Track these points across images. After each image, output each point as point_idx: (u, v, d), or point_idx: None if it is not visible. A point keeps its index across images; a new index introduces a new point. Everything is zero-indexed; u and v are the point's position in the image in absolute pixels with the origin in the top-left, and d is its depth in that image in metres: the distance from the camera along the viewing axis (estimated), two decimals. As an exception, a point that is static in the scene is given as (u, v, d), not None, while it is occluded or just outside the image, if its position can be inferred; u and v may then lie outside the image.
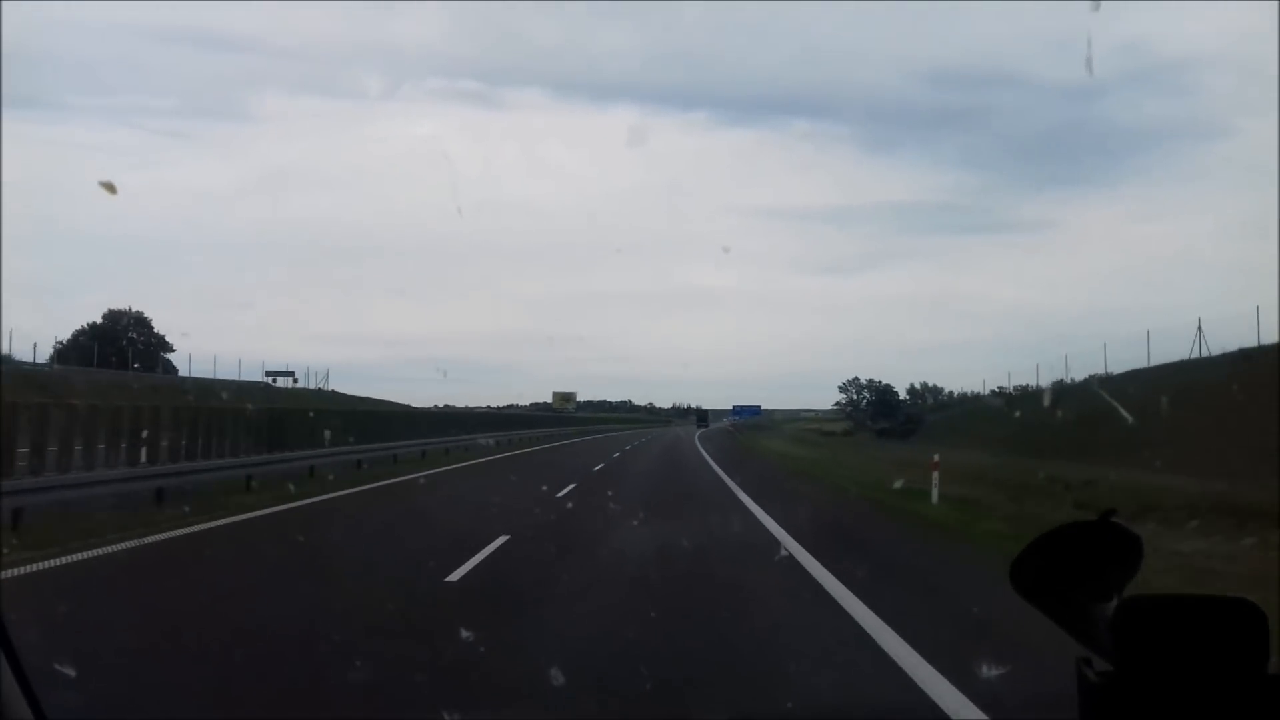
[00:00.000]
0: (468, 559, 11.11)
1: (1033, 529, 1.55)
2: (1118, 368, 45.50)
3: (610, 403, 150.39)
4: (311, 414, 25.41)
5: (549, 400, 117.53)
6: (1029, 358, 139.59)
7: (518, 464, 32.87)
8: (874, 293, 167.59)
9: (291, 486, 18.85)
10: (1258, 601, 1.33)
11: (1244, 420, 23.31)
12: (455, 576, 10.19)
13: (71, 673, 4.92)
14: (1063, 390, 62.97)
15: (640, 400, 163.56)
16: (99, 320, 64.49)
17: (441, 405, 61.56)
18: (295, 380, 66.51)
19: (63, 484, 14.15)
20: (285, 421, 22.87)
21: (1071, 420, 33.52)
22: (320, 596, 9.03)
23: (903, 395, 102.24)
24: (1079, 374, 55.42)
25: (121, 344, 60.79)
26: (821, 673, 6.67)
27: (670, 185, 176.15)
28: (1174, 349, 40.40)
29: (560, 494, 20.58)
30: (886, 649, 6.97)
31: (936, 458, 18.94)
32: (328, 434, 23.37)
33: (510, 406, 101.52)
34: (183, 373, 57.95)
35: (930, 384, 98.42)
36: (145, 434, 16.61)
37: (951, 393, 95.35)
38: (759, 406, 77.08)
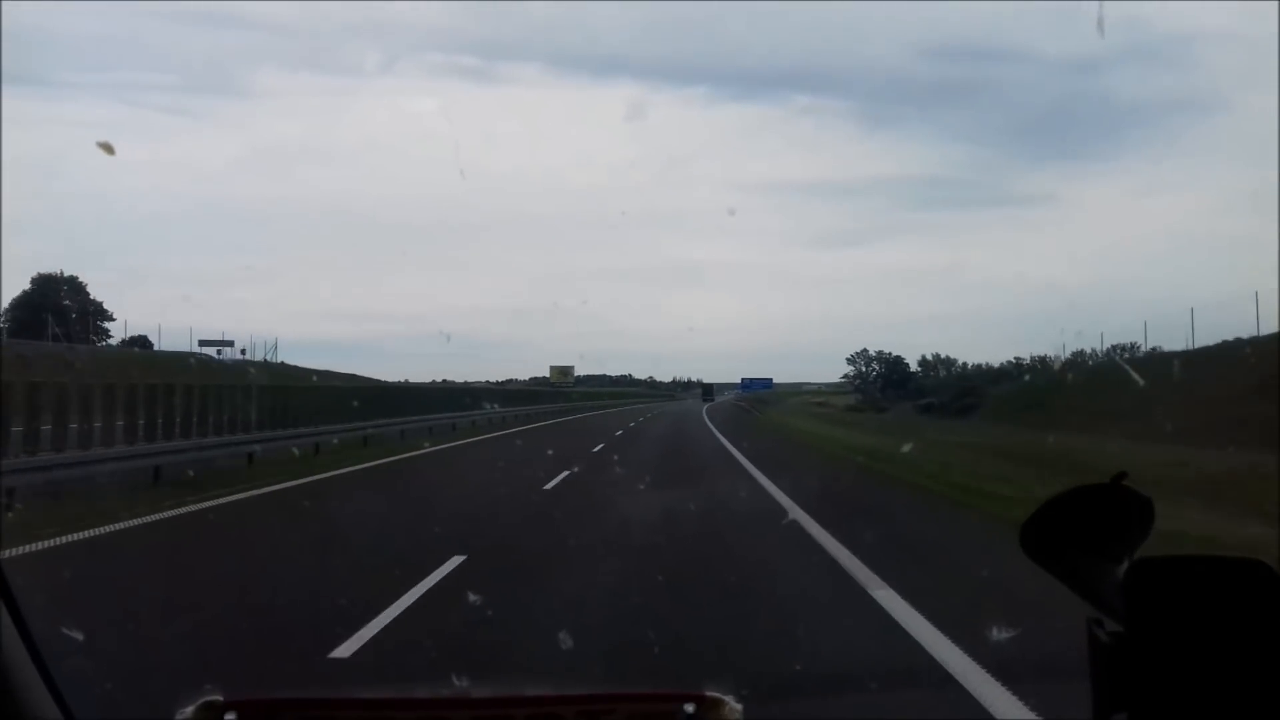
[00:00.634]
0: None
1: None
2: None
3: (610, 377, 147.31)
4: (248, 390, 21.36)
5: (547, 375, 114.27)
6: (1034, 330, 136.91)
7: (493, 450, 28.84)
8: (876, 266, 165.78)
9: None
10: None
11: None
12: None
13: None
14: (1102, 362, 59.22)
15: (641, 374, 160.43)
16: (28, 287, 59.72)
17: (441, 380, 58.58)
18: (244, 352, 61.78)
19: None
20: (210, 400, 18.84)
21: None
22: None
23: (913, 367, 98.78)
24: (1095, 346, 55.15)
25: (52, 312, 55.77)
26: None
27: (670, 160, 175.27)
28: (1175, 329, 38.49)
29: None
30: None
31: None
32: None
33: (509, 381, 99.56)
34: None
35: (943, 355, 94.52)
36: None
37: (965, 364, 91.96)
38: (770, 379, 72.61)
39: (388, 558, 9.67)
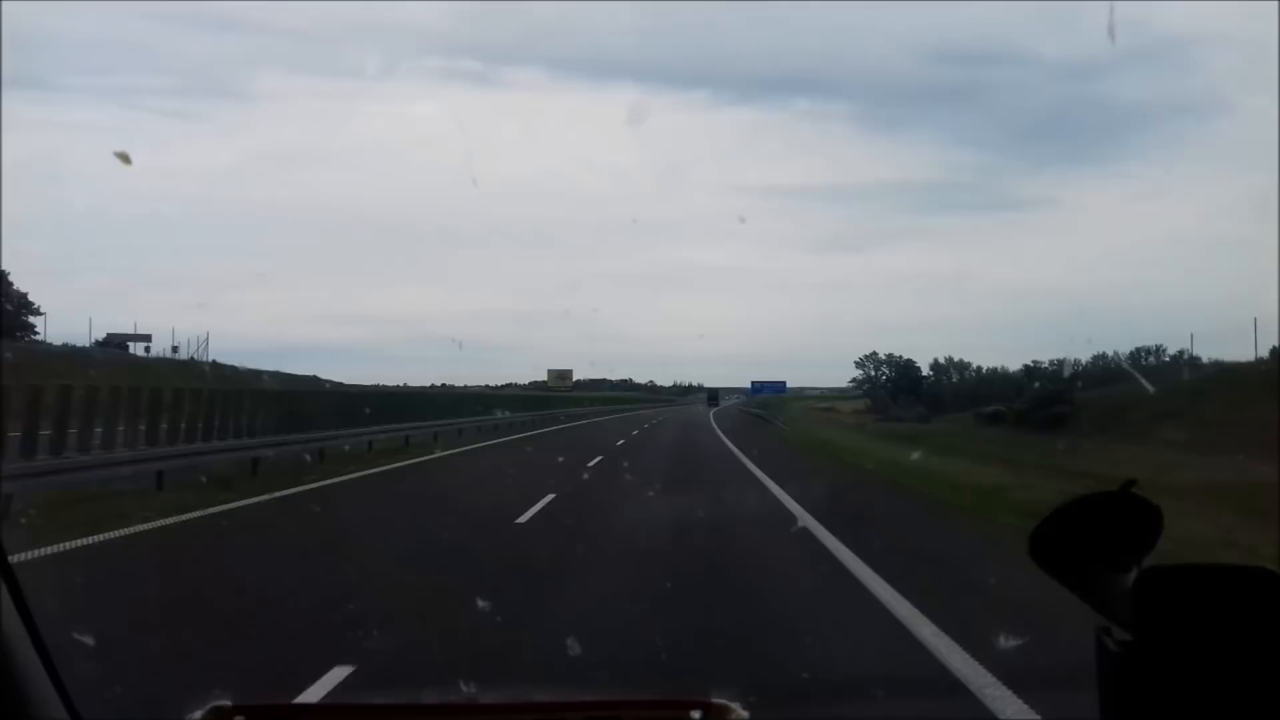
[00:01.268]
0: None
1: None
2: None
3: (611, 381, 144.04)
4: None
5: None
6: (1037, 334, 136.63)
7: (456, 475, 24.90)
8: (877, 271, 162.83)
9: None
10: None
11: None
12: None
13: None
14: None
15: (641, 379, 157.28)
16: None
17: (441, 384, 55.07)
18: (175, 349, 57.58)
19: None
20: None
21: None
22: None
23: (925, 371, 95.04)
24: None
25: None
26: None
27: (669, 164, 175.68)
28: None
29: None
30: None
31: None
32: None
33: (508, 385, 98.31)
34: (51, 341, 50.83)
35: (955, 358, 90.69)
36: None
37: (980, 368, 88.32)
38: (784, 382, 68.41)
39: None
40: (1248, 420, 24.51)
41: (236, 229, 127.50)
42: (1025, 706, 5.35)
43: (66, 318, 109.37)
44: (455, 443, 30.90)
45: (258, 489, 16.05)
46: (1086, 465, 20.52)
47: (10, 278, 56.61)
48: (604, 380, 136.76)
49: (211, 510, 13.54)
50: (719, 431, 41.87)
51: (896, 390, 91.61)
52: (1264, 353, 43.79)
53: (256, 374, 50.37)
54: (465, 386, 62.35)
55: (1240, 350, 53.32)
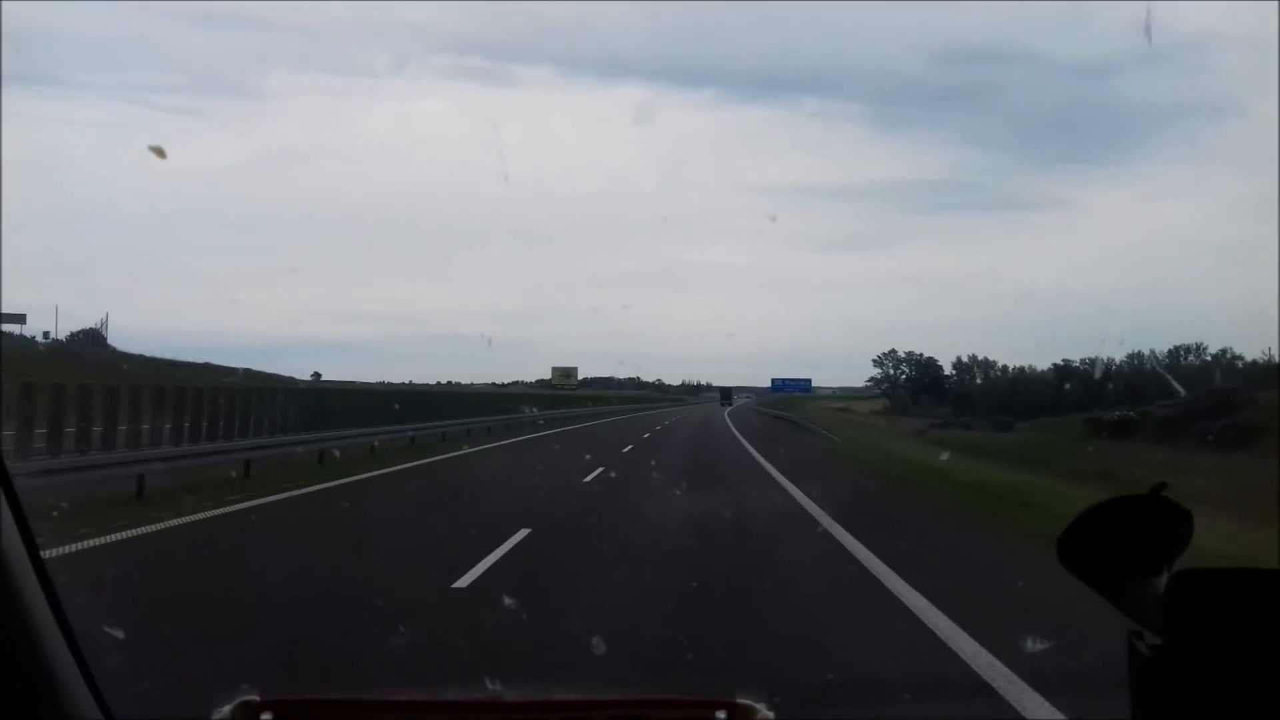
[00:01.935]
0: None
1: None
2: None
3: (617, 379, 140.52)
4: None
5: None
6: (1050, 333, 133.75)
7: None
8: (888, 270, 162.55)
9: None
10: None
11: None
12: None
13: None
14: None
15: (649, 377, 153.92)
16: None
17: (446, 381, 56.73)
18: (46, 335, 53.69)
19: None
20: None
21: None
22: None
23: (947, 370, 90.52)
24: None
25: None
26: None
27: (676, 162, 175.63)
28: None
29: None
30: None
31: None
32: None
33: (515, 383, 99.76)
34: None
35: (980, 357, 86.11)
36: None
37: (1006, 367, 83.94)
38: (809, 380, 63.51)
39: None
40: None
41: (242, 226, 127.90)
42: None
43: (67, 313, 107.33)
44: (411, 454, 26.58)
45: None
46: None
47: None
48: (610, 378, 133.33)
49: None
50: (747, 445, 30.90)
51: (917, 390, 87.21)
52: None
53: (172, 364, 45.93)
54: (471, 384, 64.82)
55: (1259, 349, 51.16)
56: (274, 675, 5.64)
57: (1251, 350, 54.38)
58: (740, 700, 1.70)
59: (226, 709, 1.65)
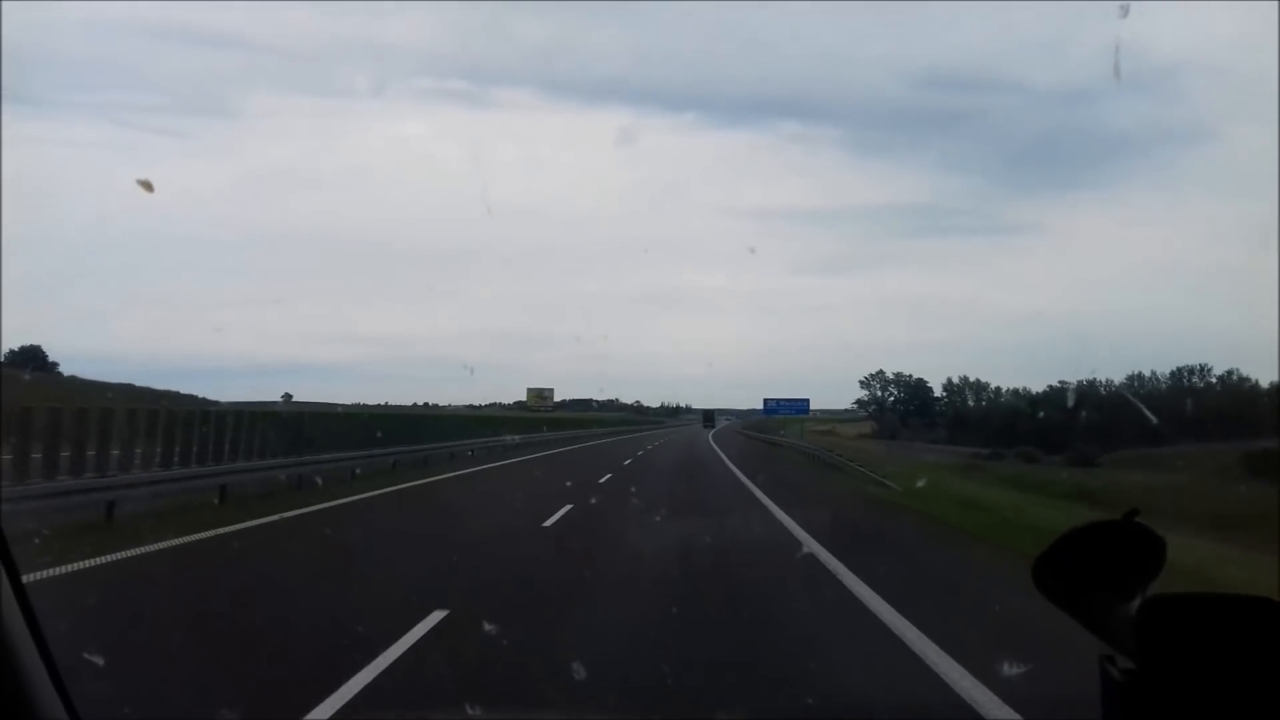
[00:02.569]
0: None
1: None
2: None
3: (597, 401, 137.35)
4: None
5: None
6: (1028, 357, 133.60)
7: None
8: (869, 294, 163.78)
9: None
10: None
11: None
12: None
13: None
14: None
15: (628, 399, 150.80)
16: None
17: (423, 403, 55.07)
18: None
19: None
20: None
21: None
22: None
23: (937, 391, 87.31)
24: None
25: None
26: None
27: (658, 185, 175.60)
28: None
29: None
30: None
31: None
32: None
33: (493, 405, 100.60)
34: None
35: (971, 378, 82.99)
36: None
37: (999, 389, 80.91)
38: (807, 400, 59.54)
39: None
40: None
41: (219, 246, 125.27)
42: None
43: (42, 336, 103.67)
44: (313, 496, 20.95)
45: None
46: None
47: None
48: (590, 400, 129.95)
49: None
50: (758, 493, 20.66)
51: (907, 412, 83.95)
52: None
53: (103, 386, 42.22)
54: (449, 406, 65.11)
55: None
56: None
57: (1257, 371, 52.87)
58: (720, 718, 1.99)
59: None
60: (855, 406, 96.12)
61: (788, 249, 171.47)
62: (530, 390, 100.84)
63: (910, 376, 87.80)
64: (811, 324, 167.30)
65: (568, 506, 17.12)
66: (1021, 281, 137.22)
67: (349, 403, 65.04)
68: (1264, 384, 52.04)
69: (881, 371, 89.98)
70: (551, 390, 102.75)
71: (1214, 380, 62.64)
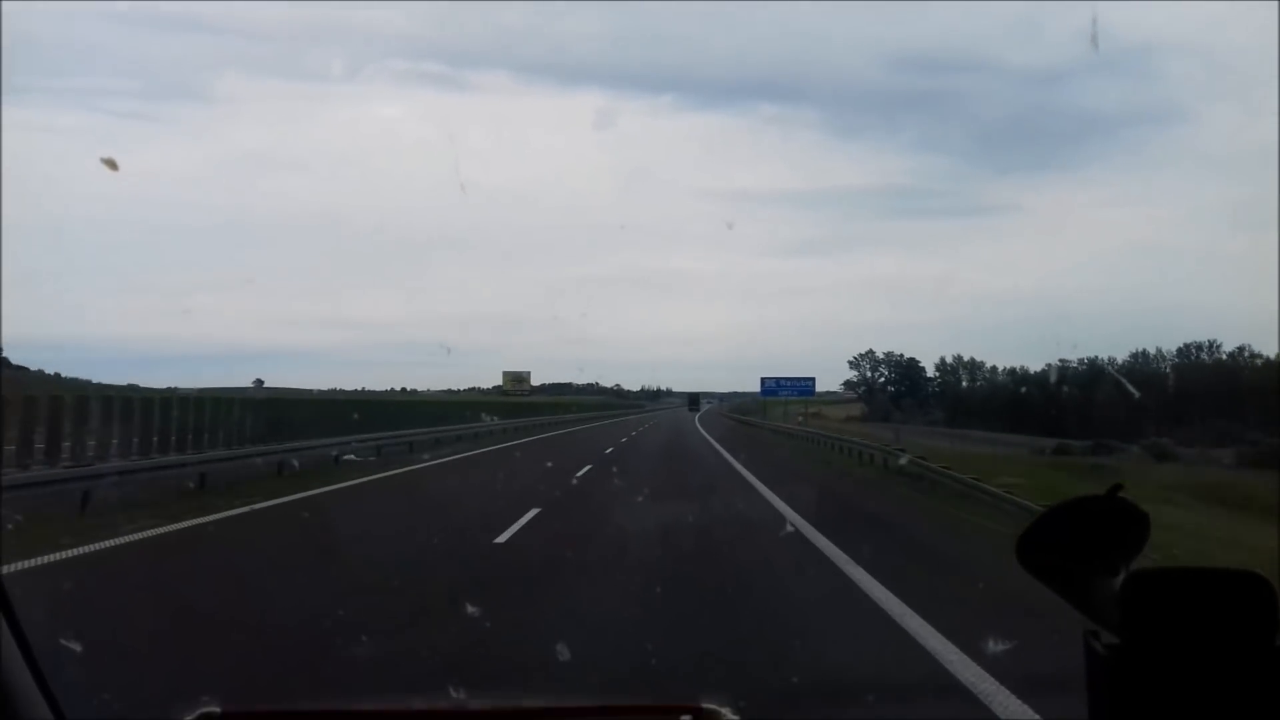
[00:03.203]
0: None
1: None
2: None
3: (576, 385, 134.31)
4: None
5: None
6: (1005, 337, 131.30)
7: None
8: (848, 275, 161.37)
9: None
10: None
11: None
12: None
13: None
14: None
15: (608, 382, 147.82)
16: None
17: (400, 388, 55.31)
18: None
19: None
20: None
21: None
22: None
23: (930, 371, 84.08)
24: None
25: None
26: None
27: (635, 168, 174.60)
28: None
29: None
30: None
31: None
32: None
33: (471, 389, 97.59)
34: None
35: (966, 358, 79.67)
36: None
37: (995, 367, 77.79)
38: (812, 379, 55.33)
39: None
40: None
41: (191, 231, 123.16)
42: None
43: (13, 325, 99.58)
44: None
45: None
46: None
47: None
48: (569, 384, 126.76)
49: None
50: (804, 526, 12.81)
51: (898, 394, 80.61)
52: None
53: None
54: (428, 391, 65.00)
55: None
56: None
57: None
58: (706, 705, 1.66)
59: (188, 718, 1.65)
60: (842, 388, 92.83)
61: (767, 231, 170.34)
62: (506, 374, 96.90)
63: (901, 356, 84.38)
64: (792, 306, 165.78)
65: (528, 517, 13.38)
66: (1005, 261, 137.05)
67: (324, 388, 63.34)
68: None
69: (871, 351, 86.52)
70: (528, 374, 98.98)
71: (1224, 356, 59.76)
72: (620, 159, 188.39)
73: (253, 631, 6.87)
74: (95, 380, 43.05)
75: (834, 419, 77.83)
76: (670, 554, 10.52)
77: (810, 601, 8.60)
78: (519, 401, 75.10)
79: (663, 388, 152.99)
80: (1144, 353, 53.06)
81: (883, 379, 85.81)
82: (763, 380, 55.08)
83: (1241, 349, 56.99)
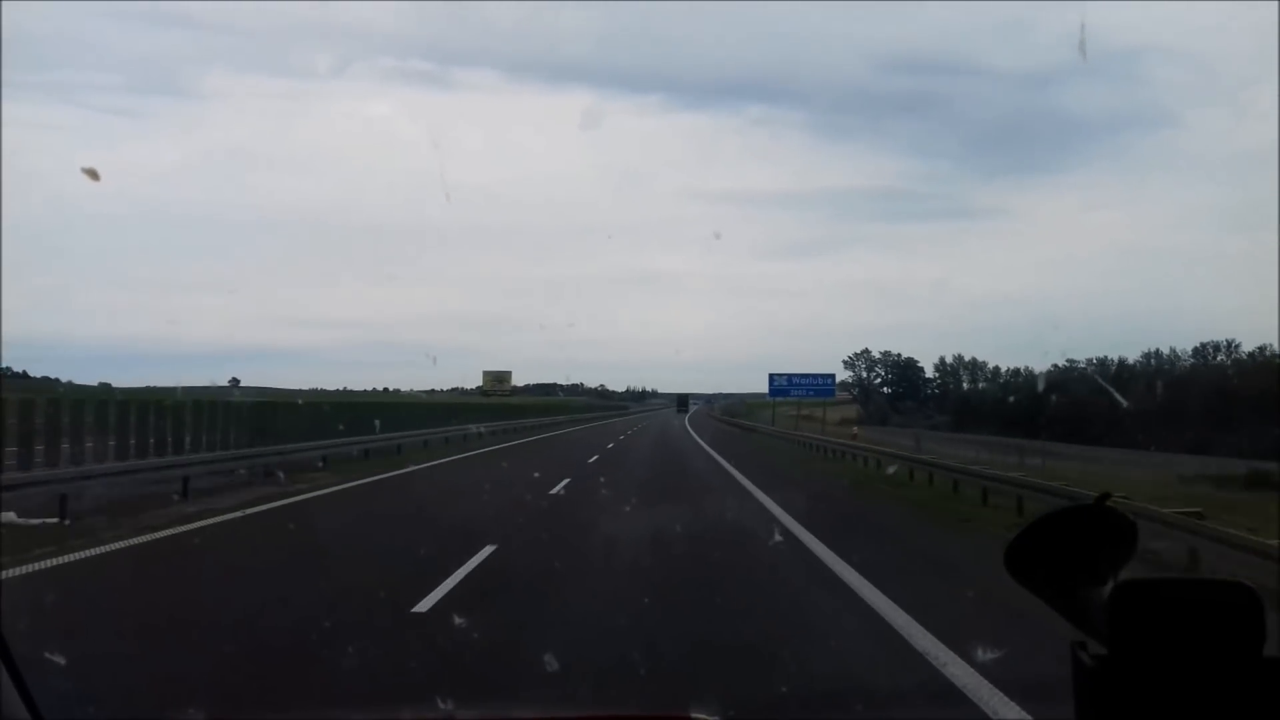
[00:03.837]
0: None
1: None
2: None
3: (561, 386, 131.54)
4: None
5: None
6: (993, 338, 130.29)
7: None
8: (841, 275, 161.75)
9: None
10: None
11: None
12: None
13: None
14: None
15: (592, 383, 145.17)
16: None
17: (383, 388, 50.28)
18: None
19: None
20: None
21: None
22: None
23: (929, 372, 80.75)
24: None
25: None
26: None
27: (623, 168, 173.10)
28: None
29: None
30: None
31: None
32: None
33: (455, 389, 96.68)
34: None
35: (967, 358, 76.28)
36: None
37: (998, 368, 74.56)
38: (832, 376, 50.23)
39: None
40: None
41: (173, 229, 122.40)
42: None
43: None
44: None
45: None
46: None
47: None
48: (554, 385, 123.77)
49: None
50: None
51: (895, 395, 77.26)
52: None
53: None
54: (411, 391, 64.57)
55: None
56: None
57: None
58: (695, 715, 1.74)
59: None
60: (837, 387, 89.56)
61: (754, 232, 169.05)
62: (486, 374, 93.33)
63: (899, 356, 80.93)
64: (778, 307, 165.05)
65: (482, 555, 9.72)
66: (996, 263, 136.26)
67: (306, 388, 61.54)
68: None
69: (867, 350, 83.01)
70: (509, 373, 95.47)
71: (1243, 356, 57.04)
72: (608, 159, 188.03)
73: None
74: (65, 379, 40.58)
75: (828, 422, 74.45)
76: (670, 650, 6.75)
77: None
78: (500, 403, 71.42)
79: (648, 389, 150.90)
80: (1157, 352, 49.96)
81: (879, 379, 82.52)
82: (771, 377, 48.89)
83: (1262, 348, 54.23)
